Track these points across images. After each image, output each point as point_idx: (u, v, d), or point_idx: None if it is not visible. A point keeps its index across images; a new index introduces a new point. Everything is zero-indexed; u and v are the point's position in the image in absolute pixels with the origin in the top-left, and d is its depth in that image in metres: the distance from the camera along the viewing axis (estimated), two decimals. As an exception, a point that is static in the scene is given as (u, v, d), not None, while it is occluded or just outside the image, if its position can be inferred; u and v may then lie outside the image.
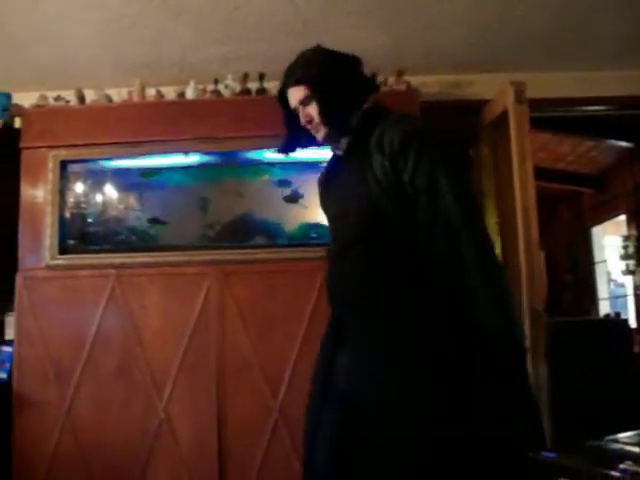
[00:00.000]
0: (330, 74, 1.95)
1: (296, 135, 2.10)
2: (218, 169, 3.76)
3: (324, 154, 3.62)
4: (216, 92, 3.66)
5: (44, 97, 3.72)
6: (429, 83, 3.94)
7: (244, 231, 3.62)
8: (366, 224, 1.89)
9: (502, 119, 3.62)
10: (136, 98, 3.68)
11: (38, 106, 3.67)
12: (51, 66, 3.85)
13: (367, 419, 1.83)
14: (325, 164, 2.18)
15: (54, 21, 3.34)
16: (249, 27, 3.46)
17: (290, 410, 3.25)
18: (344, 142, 1.99)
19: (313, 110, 1.96)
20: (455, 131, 3.91)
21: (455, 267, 1.78)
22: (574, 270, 8.42)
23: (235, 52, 3.68)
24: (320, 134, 2.00)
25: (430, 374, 1.77)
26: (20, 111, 3.70)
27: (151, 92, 3.73)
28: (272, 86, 3.65)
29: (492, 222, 3.86)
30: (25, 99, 3.79)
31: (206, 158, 3.64)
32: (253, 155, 3.62)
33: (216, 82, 3.69)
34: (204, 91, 3.69)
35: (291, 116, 2.04)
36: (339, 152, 2.04)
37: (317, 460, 1.95)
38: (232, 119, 3.48)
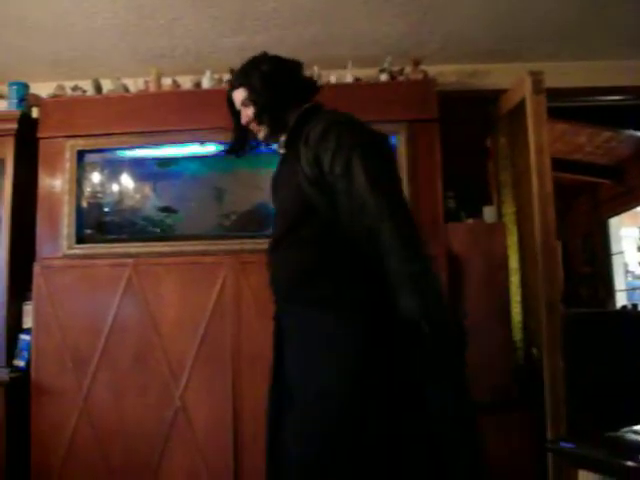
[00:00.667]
0: (268, 78, 2.09)
1: (243, 135, 2.23)
2: (234, 159, 3.73)
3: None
4: (232, 81, 3.66)
5: (61, 87, 3.74)
6: (446, 73, 3.92)
7: (260, 221, 3.61)
8: (295, 216, 1.98)
9: (519, 109, 3.60)
10: (152, 88, 3.69)
11: (55, 96, 3.69)
12: (68, 56, 3.86)
13: (308, 409, 1.88)
14: None
15: (71, 11, 3.35)
16: (264, 16, 3.45)
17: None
18: (283, 140, 2.11)
19: (250, 111, 2.11)
20: (472, 121, 3.90)
21: (377, 256, 1.79)
22: (591, 262, 8.37)
23: (250, 42, 3.67)
24: (260, 134, 2.15)
25: (362, 363, 1.82)
26: (37, 101, 3.72)
27: (167, 82, 3.74)
28: (288, 76, 3.65)
29: (509, 212, 3.84)
30: (42, 89, 3.81)
31: (222, 148, 3.63)
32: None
33: (232, 71, 3.67)
34: (220, 81, 3.69)
35: (238, 118, 2.19)
36: (281, 150, 2.14)
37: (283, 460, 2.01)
38: (248, 109, 3.47)
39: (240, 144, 2.28)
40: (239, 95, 2.15)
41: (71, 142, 3.55)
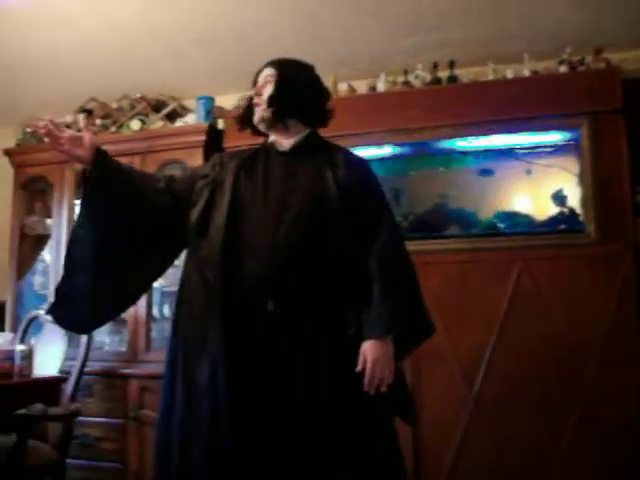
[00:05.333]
0: (299, 78, 2.12)
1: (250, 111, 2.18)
2: (411, 160, 3.77)
3: (513, 140, 3.51)
4: (406, 83, 3.69)
5: (244, 98, 3.93)
6: (631, 59, 3.68)
7: (438, 221, 3.61)
8: (311, 228, 1.97)
9: None
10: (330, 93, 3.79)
11: (239, 108, 3.89)
12: (248, 69, 4.02)
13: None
14: (248, 152, 2.19)
15: (253, 25, 3.52)
16: (438, 16, 3.42)
17: (486, 401, 3.25)
18: (292, 140, 2.11)
19: (269, 89, 2.08)
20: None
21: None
22: None
23: (424, 41, 3.66)
24: (258, 112, 2.10)
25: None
26: (222, 113, 3.95)
27: (344, 87, 3.83)
28: (464, 73, 3.62)
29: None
30: (226, 101, 4.05)
31: (399, 149, 3.68)
32: (445, 144, 3.60)
33: (406, 73, 3.71)
34: (394, 83, 3.73)
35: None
36: (281, 148, 2.12)
37: None
38: (423, 109, 3.48)
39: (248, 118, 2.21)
40: (266, 72, 2.14)
41: (255, 150, 3.72)
